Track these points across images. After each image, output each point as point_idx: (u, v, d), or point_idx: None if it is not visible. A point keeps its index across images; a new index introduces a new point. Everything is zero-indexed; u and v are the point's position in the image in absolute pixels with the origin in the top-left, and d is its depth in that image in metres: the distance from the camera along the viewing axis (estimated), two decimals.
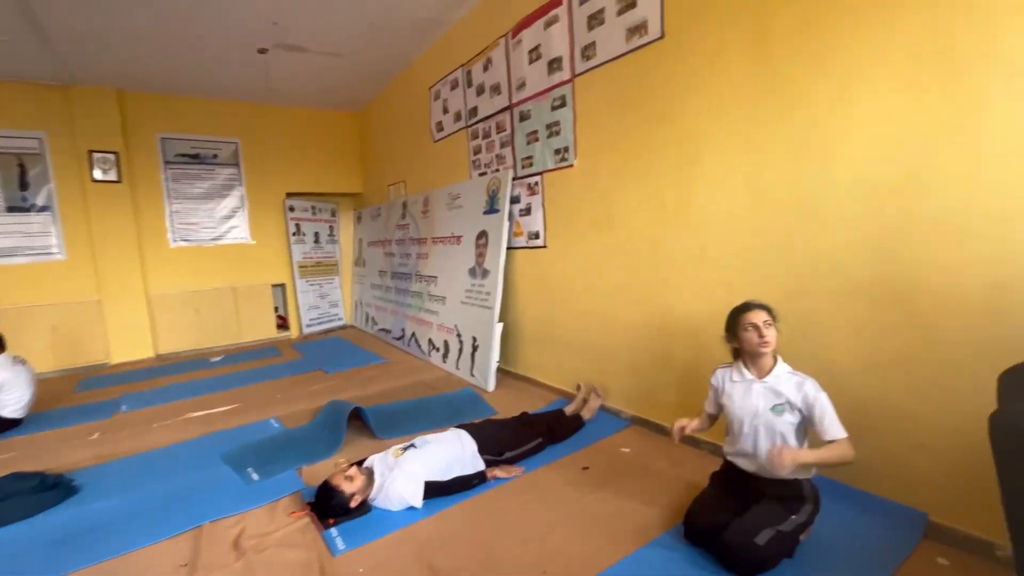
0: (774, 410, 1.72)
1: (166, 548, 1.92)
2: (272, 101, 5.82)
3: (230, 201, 5.81)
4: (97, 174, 4.94)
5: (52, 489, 2.31)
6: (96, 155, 4.92)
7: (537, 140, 3.41)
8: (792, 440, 1.71)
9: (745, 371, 1.81)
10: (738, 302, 1.81)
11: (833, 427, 1.64)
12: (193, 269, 5.61)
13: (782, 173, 2.09)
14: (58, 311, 4.89)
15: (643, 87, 2.63)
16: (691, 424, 1.93)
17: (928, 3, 1.65)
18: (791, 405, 1.69)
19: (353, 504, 2.06)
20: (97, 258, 5.02)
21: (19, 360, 3.42)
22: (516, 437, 2.56)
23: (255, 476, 2.46)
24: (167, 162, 5.43)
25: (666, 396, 2.73)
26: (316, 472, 2.46)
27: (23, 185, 4.75)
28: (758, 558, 1.58)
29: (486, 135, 3.95)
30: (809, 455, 1.64)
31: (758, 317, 1.72)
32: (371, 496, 2.13)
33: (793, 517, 1.66)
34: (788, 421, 1.70)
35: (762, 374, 1.77)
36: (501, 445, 2.48)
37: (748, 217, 2.24)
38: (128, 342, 5.20)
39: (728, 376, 1.87)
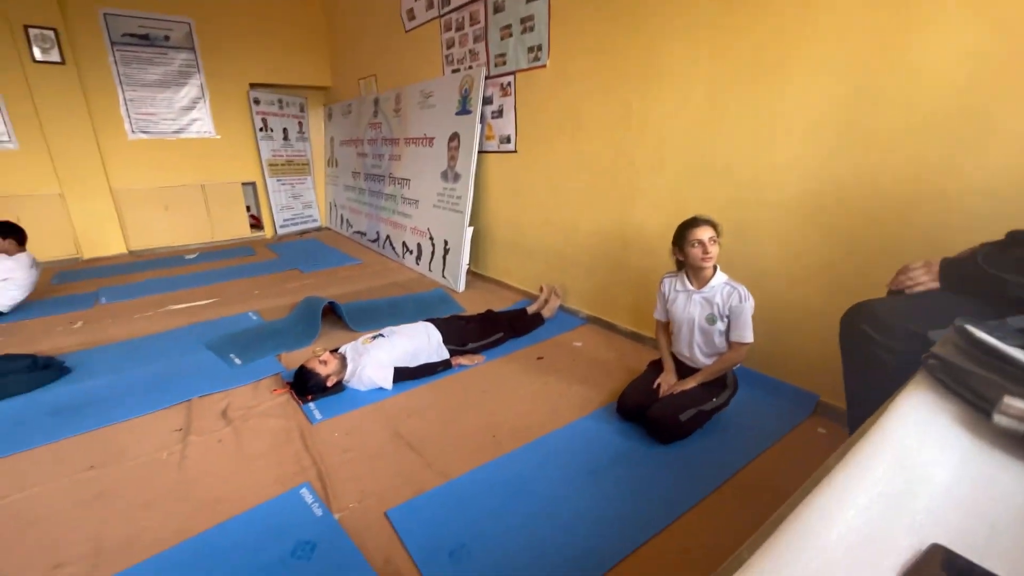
0: (707, 320, 1.94)
1: (160, 417, 2.16)
2: None
3: (189, 90, 5.46)
4: (37, 53, 4.55)
5: (45, 369, 2.49)
6: (33, 31, 4.49)
7: (511, 35, 3.27)
8: (722, 344, 1.95)
9: (687, 282, 1.99)
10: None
11: (740, 332, 1.88)
12: (157, 163, 5.41)
13: (741, 85, 2.12)
14: (19, 203, 4.75)
15: None
16: (669, 376, 2.07)
17: None
18: (720, 315, 1.91)
19: (329, 384, 2.30)
20: (52, 149, 4.78)
21: (36, 264, 3.54)
22: (480, 330, 2.80)
23: (237, 361, 2.67)
24: (114, 42, 4.99)
25: (620, 298, 2.96)
26: (294, 358, 2.68)
27: None
28: (679, 431, 1.89)
29: (459, 27, 3.73)
30: (694, 380, 1.97)
31: (704, 233, 1.84)
32: (345, 378, 2.37)
33: (714, 400, 1.96)
34: (719, 328, 1.93)
35: (701, 284, 1.95)
36: (465, 337, 2.72)
37: (707, 129, 2.30)
38: (98, 238, 5.16)
39: (673, 285, 2.06)
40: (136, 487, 1.73)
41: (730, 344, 1.94)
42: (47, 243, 4.91)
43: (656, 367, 2.19)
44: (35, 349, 2.80)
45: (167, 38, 5.24)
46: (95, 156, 5.00)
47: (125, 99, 5.15)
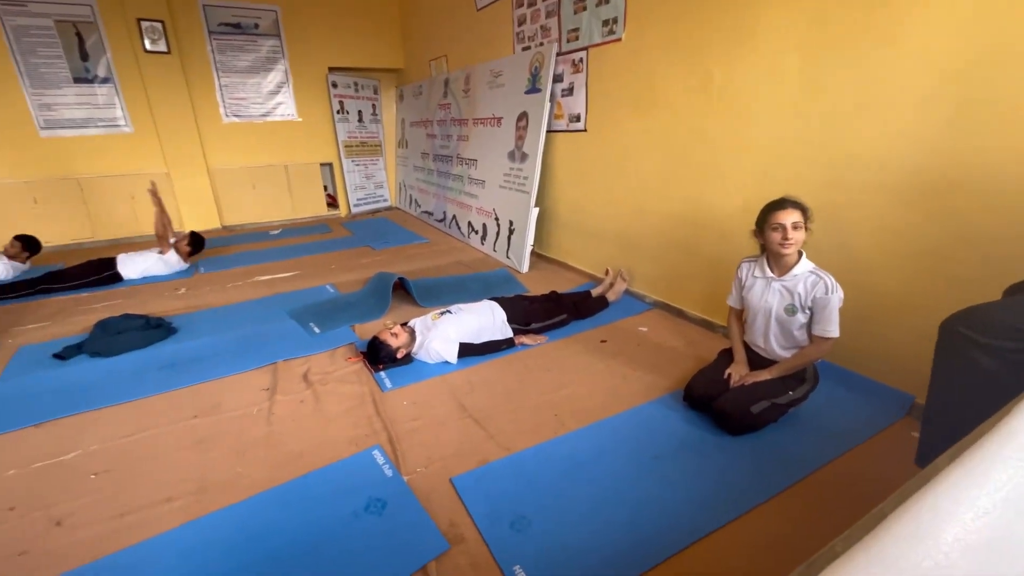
0: (787, 310, 1.80)
1: (251, 376, 2.37)
2: None
3: (275, 76, 5.80)
4: (147, 44, 5.01)
5: (156, 328, 2.80)
6: (144, 23, 4.94)
7: (585, 9, 3.17)
8: (802, 337, 1.82)
9: (767, 268, 1.85)
10: (770, 197, 1.80)
11: (825, 326, 1.72)
12: (246, 145, 5.84)
13: (844, 51, 1.93)
14: (132, 181, 5.32)
15: None
16: (740, 367, 1.97)
17: None
18: (802, 306, 1.77)
19: (399, 356, 2.41)
20: (160, 131, 5.29)
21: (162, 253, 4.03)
22: (543, 311, 2.80)
23: (316, 329, 2.86)
24: (211, 32, 5.39)
25: (690, 284, 2.84)
26: (367, 329, 2.83)
27: (84, 55, 4.91)
28: (749, 423, 1.80)
29: (531, 3, 3.67)
30: (772, 372, 1.85)
31: (787, 217, 1.69)
32: (413, 351, 2.48)
33: (791, 393, 1.85)
34: (800, 321, 1.79)
35: (782, 272, 1.80)
36: (529, 317, 2.74)
37: (800, 102, 2.12)
38: (197, 213, 5.67)
39: (751, 270, 1.93)
40: (232, 436, 1.92)
41: (812, 338, 1.81)
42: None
43: (727, 356, 2.10)
44: (148, 310, 3.15)
45: (256, 26, 5.58)
46: (195, 138, 5.47)
47: (220, 85, 5.57)
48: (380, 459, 1.75)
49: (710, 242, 2.65)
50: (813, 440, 1.80)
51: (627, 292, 3.25)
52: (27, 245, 4.14)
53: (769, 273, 1.85)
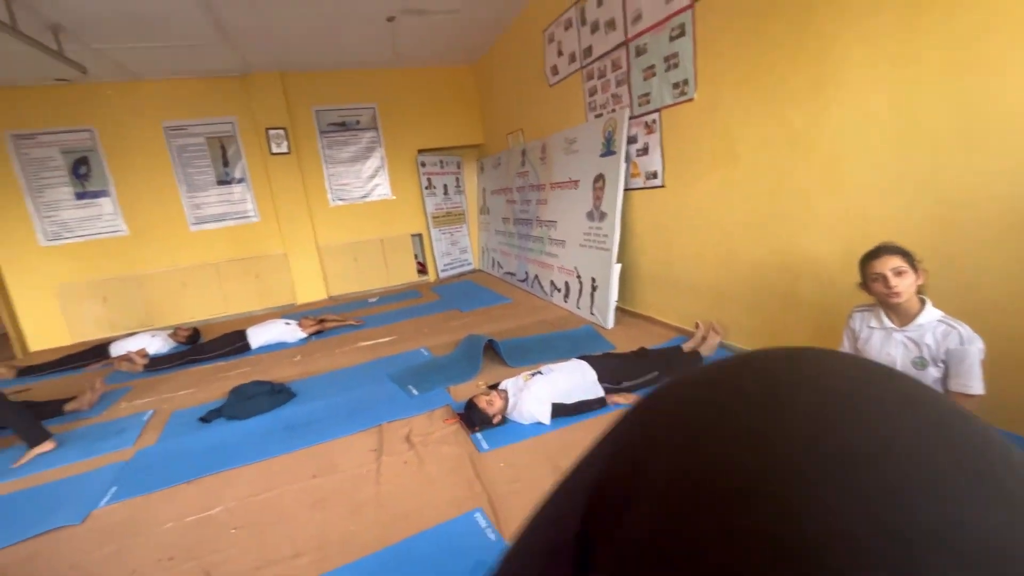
0: (915, 364, 1.64)
1: (359, 438, 2.55)
2: (400, 65, 6.30)
3: (373, 162, 6.57)
4: (273, 147, 5.95)
5: (279, 393, 3.14)
6: (271, 131, 5.90)
7: (654, 75, 3.32)
8: None
9: (884, 318, 1.71)
10: (870, 239, 1.71)
11: (965, 381, 1.54)
12: (349, 224, 6.57)
13: (938, 87, 1.85)
14: (257, 263, 6.17)
15: (770, 6, 2.41)
16: None
17: None
18: (933, 358, 1.60)
19: (495, 421, 2.49)
20: (280, 218, 6.15)
21: (288, 323, 4.62)
22: (634, 369, 2.77)
23: (415, 391, 3.04)
24: (322, 132, 6.29)
25: (791, 335, 2.68)
26: (461, 391, 2.96)
27: (225, 162, 5.94)
28: None
29: (601, 75, 3.91)
30: None
31: (886, 265, 1.58)
32: (507, 412, 2.54)
33: None
34: (932, 376, 1.61)
35: (904, 322, 1.66)
36: (619, 375, 2.71)
37: (893, 141, 2.03)
38: (308, 286, 6.38)
39: (866, 321, 1.79)
40: (345, 496, 2.07)
41: (952, 396, 1.62)
42: (275, 292, 6.24)
43: None
44: (271, 377, 3.55)
45: (358, 122, 6.43)
46: (307, 222, 6.26)
47: (328, 175, 6.40)
48: (482, 522, 1.79)
49: (809, 290, 2.51)
50: None
51: (722, 346, 3.12)
52: (193, 335, 4.87)
53: (888, 324, 1.71)
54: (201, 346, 4.40)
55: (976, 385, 1.55)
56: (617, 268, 3.79)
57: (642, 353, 2.95)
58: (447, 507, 1.92)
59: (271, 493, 2.16)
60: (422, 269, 7.20)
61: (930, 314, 1.63)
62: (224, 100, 5.79)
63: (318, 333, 4.65)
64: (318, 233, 6.40)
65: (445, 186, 7.09)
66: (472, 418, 2.47)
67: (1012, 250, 1.73)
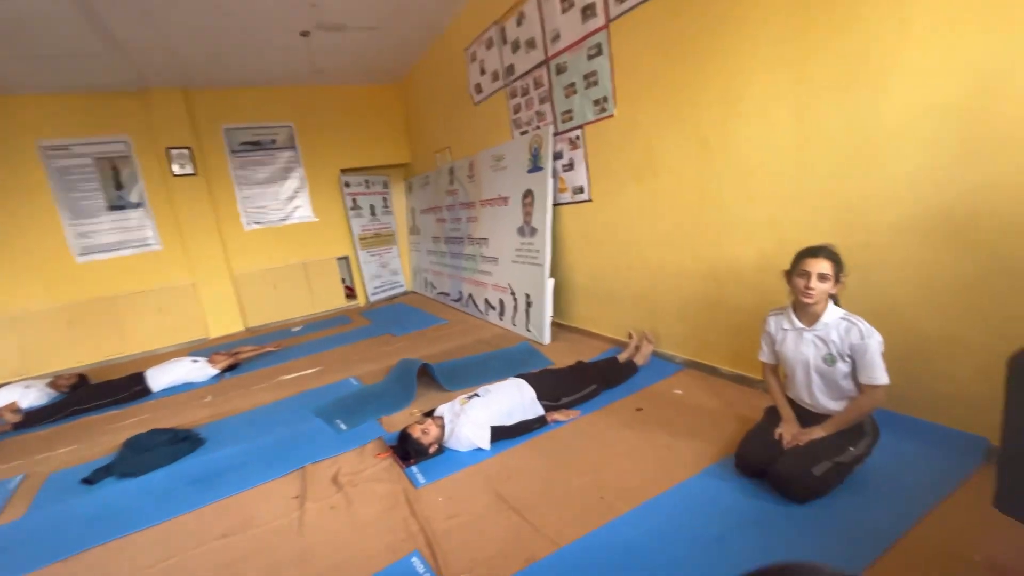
0: (825, 360, 1.73)
1: (279, 484, 2.29)
2: (319, 82, 6.04)
3: (292, 183, 6.20)
4: (176, 169, 5.44)
5: (184, 441, 2.77)
6: (173, 151, 5.40)
7: (575, 92, 3.39)
8: (850, 387, 1.73)
9: (795, 318, 1.80)
10: (787, 244, 1.79)
11: (870, 373, 1.64)
12: (267, 249, 6.12)
13: (833, 104, 2.00)
14: (160, 295, 5.56)
15: (681, 27, 2.54)
16: (790, 425, 1.85)
17: None
18: (840, 354, 1.69)
19: (431, 451, 2.33)
20: (187, 246, 5.60)
21: (196, 360, 4.16)
22: (572, 384, 2.73)
23: (343, 426, 2.80)
24: (233, 151, 5.85)
25: (717, 339, 2.77)
26: (394, 421, 2.76)
27: (118, 185, 5.34)
28: (814, 487, 1.65)
29: (524, 92, 3.95)
30: (825, 429, 1.72)
31: (815, 266, 1.66)
32: (444, 440, 2.39)
33: (851, 449, 1.71)
34: (842, 370, 1.71)
35: (811, 322, 1.76)
36: (558, 391, 2.66)
37: (797, 154, 2.17)
38: (222, 318, 5.83)
39: (779, 323, 1.88)
40: (263, 555, 1.82)
41: (861, 388, 1.71)
42: (183, 327, 5.64)
43: (774, 415, 1.98)
44: (176, 422, 3.14)
45: (273, 141, 6.06)
46: (219, 249, 5.76)
47: (241, 197, 5.95)
48: (420, 567, 1.63)
49: (733, 295, 2.62)
50: (889, 501, 1.64)
51: (655, 354, 3.17)
52: (78, 383, 4.21)
53: (798, 324, 1.80)
54: (87, 393, 3.83)
55: (881, 376, 1.64)
56: (551, 283, 3.79)
57: (579, 367, 2.92)
58: (381, 554, 1.73)
59: (171, 561, 1.85)
60: (351, 293, 6.85)
61: (833, 312, 1.73)
62: (116, 117, 5.23)
63: (232, 368, 4.23)
64: (232, 260, 5.90)
65: (372, 206, 6.85)
66: (406, 450, 2.30)
67: (905, 251, 1.88)
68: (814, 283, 1.67)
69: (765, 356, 1.96)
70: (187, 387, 3.96)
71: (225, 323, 5.85)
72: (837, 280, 1.68)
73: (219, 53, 4.72)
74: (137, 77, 4.92)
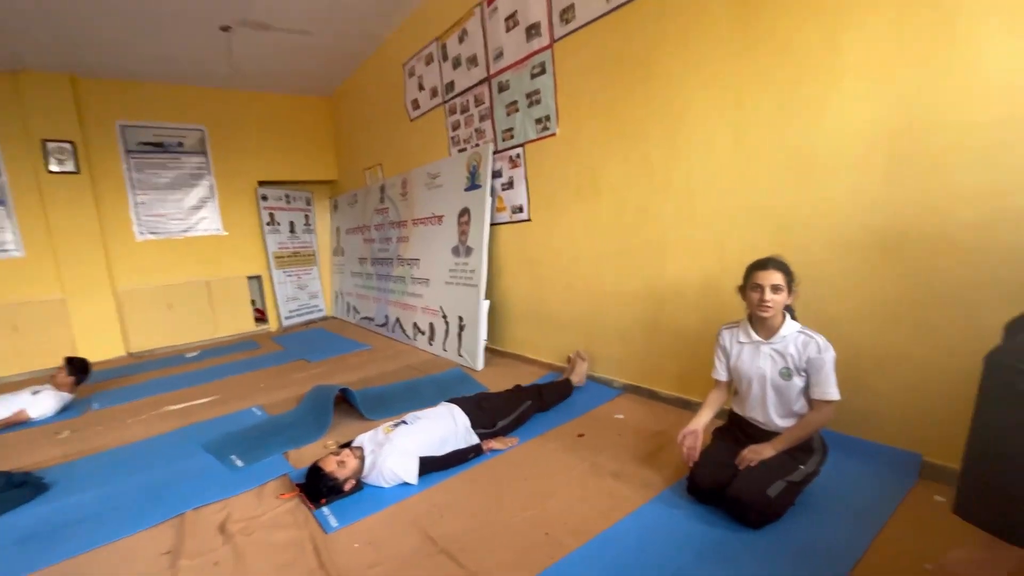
0: (782, 374, 1.69)
1: (146, 538, 1.82)
2: (240, 86, 5.58)
3: (199, 191, 5.58)
4: (53, 165, 4.67)
5: (19, 487, 2.17)
6: (51, 145, 4.65)
7: (517, 111, 3.33)
8: (800, 405, 1.70)
9: (752, 332, 1.76)
10: (728, 265, 1.76)
11: (824, 388, 1.62)
12: (163, 263, 5.38)
13: (771, 127, 2.06)
14: (18, 311, 4.63)
15: (625, 49, 2.57)
16: (696, 437, 1.79)
17: None
18: (797, 368, 1.67)
19: (347, 488, 1.99)
20: (59, 255, 4.76)
21: (37, 391, 3.40)
22: (507, 405, 2.51)
23: (239, 463, 2.35)
24: (129, 151, 5.17)
25: (660, 362, 2.71)
26: (303, 455, 2.37)
27: None
28: (770, 510, 1.57)
29: (464, 109, 3.85)
30: (775, 447, 1.66)
31: (767, 279, 1.65)
32: (363, 474, 2.06)
33: (802, 467, 1.66)
34: (797, 386, 1.68)
35: (769, 335, 1.73)
36: (494, 415, 2.43)
37: (737, 175, 2.21)
38: (96, 341, 4.96)
39: (735, 337, 1.83)
40: None
41: (812, 403, 1.67)
42: (44, 350, 4.70)
43: (724, 434, 1.90)
44: (15, 465, 2.49)
45: (180, 144, 5.45)
46: (100, 260, 4.96)
47: (135, 203, 5.23)
48: None
49: (675, 317, 2.58)
50: (840, 522, 1.58)
51: (595, 378, 3.06)
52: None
53: (755, 337, 1.75)
54: None
55: (833, 392, 1.62)
56: (486, 305, 3.60)
57: (515, 389, 2.72)
58: None
59: None
60: (261, 317, 6.19)
61: (790, 326, 1.70)
62: None
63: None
64: (116, 274, 5.11)
65: (292, 223, 6.33)
66: (316, 488, 1.94)
67: (840, 267, 1.93)
68: (768, 296, 1.64)
69: (718, 373, 1.88)
70: (28, 425, 3.21)
71: (101, 347, 4.98)
72: (790, 291, 1.66)
73: (120, 39, 4.19)
74: (8, 55, 4.22)
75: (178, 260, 5.47)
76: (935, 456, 1.76)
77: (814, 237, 1.98)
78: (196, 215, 5.58)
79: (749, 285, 1.69)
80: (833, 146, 1.89)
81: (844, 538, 1.50)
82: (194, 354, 5.04)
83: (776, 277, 1.64)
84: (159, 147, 5.34)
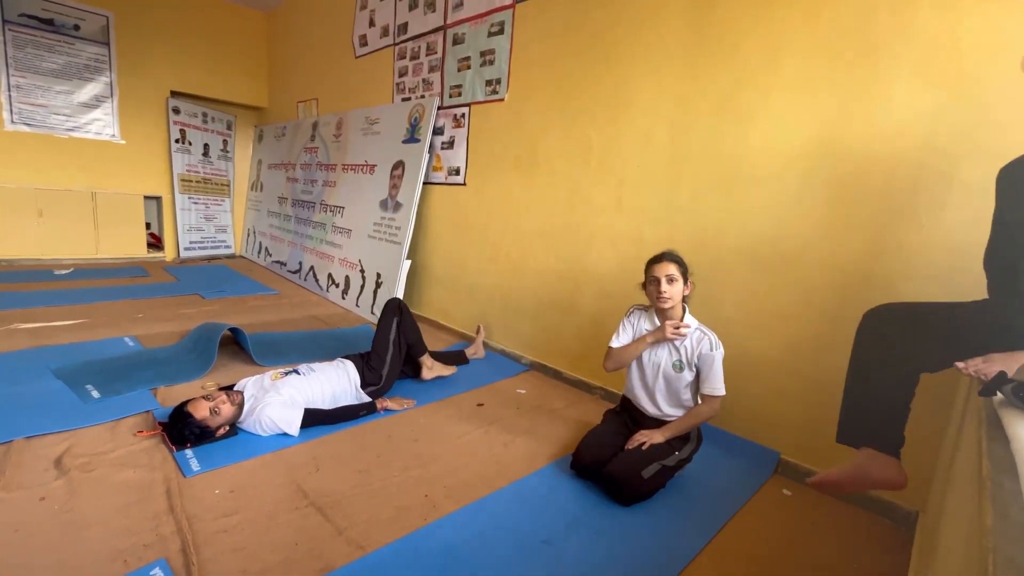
0: (675, 366, 1.76)
1: None
2: None
3: (94, 87, 4.83)
4: None
5: None
6: None
7: (469, 68, 3.19)
8: (687, 396, 1.78)
9: (656, 321, 1.81)
10: (645, 256, 1.79)
11: (714, 384, 1.71)
12: (38, 161, 4.63)
13: (706, 130, 2.12)
14: None
15: (583, 23, 2.52)
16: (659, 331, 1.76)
17: None
18: (688, 362, 1.74)
19: (218, 434, 1.83)
20: None
21: None
22: (392, 354, 2.39)
23: (95, 394, 2.09)
24: (6, 21, 4.34)
25: (568, 344, 2.76)
26: (175, 393, 2.16)
27: None
28: (642, 490, 1.65)
29: (414, 56, 3.63)
30: (664, 434, 1.75)
31: (663, 271, 1.70)
32: (240, 419, 1.91)
33: (677, 453, 1.75)
34: (686, 379, 1.76)
35: None
36: (378, 367, 2.33)
37: (668, 172, 2.26)
38: None
39: (642, 322, 1.86)
40: None
41: (702, 397, 1.77)
42: None
43: (614, 417, 1.97)
44: None
45: (77, 27, 4.66)
46: None
47: (9, 84, 4.43)
48: None
49: (588, 300, 2.63)
50: (702, 505, 1.70)
51: (505, 352, 3.06)
52: None
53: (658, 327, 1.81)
54: None
55: (721, 387, 1.72)
56: (407, 264, 3.47)
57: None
58: (105, 565, 1.23)
59: None
60: (156, 243, 5.57)
61: (689, 321, 1.77)
62: None
63: None
64: None
65: (207, 145, 5.70)
66: (180, 430, 1.76)
67: (740, 274, 2.05)
68: (664, 287, 1.69)
69: (618, 342, 1.88)
70: None
71: None
72: (686, 280, 1.72)
73: None
74: None
75: (58, 161, 4.73)
76: (791, 455, 1.95)
77: (725, 243, 2.08)
78: (87, 114, 4.84)
79: (648, 279, 1.74)
80: (756, 159, 1.98)
81: (701, 519, 1.62)
82: (66, 271, 4.43)
83: (670, 268, 1.70)
84: (48, 24, 4.53)
